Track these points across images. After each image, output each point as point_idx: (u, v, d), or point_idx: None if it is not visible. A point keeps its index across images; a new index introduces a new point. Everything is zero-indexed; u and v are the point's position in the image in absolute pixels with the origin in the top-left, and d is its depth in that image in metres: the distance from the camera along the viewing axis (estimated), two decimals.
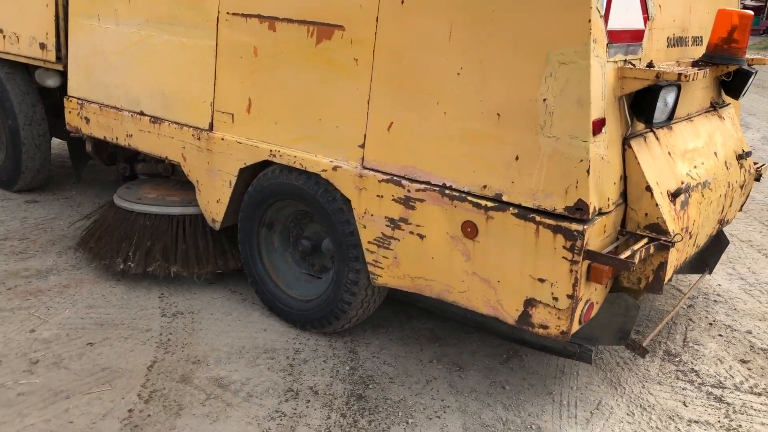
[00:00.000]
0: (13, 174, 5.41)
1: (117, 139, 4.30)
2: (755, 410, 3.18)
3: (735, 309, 4.21)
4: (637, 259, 2.62)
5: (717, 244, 4.13)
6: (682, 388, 3.33)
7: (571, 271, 2.61)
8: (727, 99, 3.91)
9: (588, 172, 2.53)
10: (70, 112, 4.59)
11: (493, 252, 2.80)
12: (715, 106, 3.76)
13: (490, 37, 2.69)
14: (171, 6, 3.81)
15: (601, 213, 2.66)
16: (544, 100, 2.58)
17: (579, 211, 2.56)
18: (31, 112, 5.21)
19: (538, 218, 2.65)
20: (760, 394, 3.31)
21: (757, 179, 4.09)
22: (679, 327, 3.93)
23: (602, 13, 2.55)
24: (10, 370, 3.12)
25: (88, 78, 4.40)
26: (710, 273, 4.24)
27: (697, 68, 2.98)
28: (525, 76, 2.62)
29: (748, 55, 3.59)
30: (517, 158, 2.68)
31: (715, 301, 4.31)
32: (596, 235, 2.65)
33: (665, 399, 3.22)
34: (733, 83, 3.77)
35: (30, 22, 4.77)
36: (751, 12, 3.23)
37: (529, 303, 2.75)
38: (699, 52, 3.46)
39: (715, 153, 3.47)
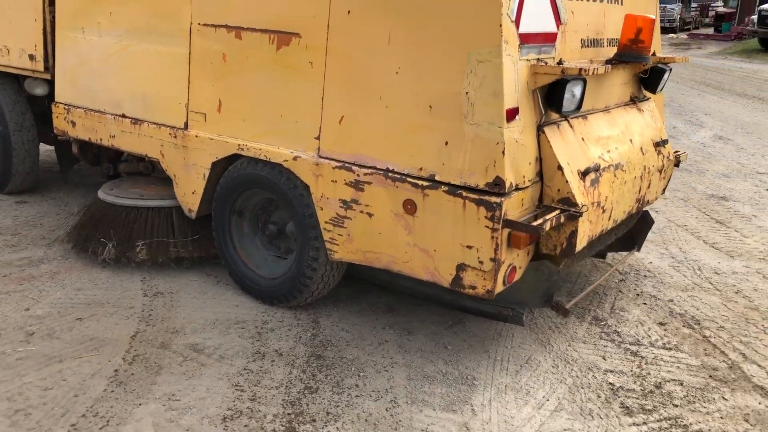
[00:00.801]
0: (5, 177, 5.80)
1: (101, 140, 4.72)
2: (664, 361, 3.65)
3: (662, 282, 4.69)
4: (547, 227, 3.08)
5: (643, 224, 4.63)
6: (603, 345, 3.79)
7: (493, 237, 3.07)
8: (649, 94, 4.40)
9: (503, 153, 2.99)
10: (57, 117, 5.01)
11: (430, 225, 3.26)
12: (634, 100, 4.25)
13: (422, 40, 3.16)
14: (148, 18, 4.25)
15: (518, 188, 3.13)
16: (467, 93, 3.04)
17: (497, 186, 3.03)
18: (21, 119, 5.61)
19: (464, 194, 3.11)
20: (670, 349, 3.78)
21: (677, 165, 4.58)
22: (608, 297, 4.40)
23: (513, 18, 3.02)
24: (8, 340, 3.52)
25: (73, 85, 4.83)
26: (638, 250, 4.74)
27: (603, 65, 3.46)
28: (451, 73, 3.08)
29: (694, 57, 4.09)
30: (446, 143, 3.14)
31: (645, 276, 4.79)
32: (514, 207, 3.12)
33: (587, 354, 3.68)
34: (649, 80, 4.28)
35: (20, 36, 5.19)
36: (653, 16, 3.72)
37: (461, 267, 3.21)
38: (614, 52, 3.94)
39: (631, 140, 3.95)
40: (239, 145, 3.89)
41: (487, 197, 3.05)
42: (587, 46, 3.70)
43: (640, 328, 4.02)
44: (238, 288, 4.20)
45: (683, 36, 35.82)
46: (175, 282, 4.31)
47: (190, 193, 4.25)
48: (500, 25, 2.93)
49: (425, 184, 3.22)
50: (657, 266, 4.96)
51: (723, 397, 3.34)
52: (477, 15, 2.98)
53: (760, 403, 3.30)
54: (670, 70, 4.37)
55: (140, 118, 4.41)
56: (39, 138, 5.77)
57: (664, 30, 39.31)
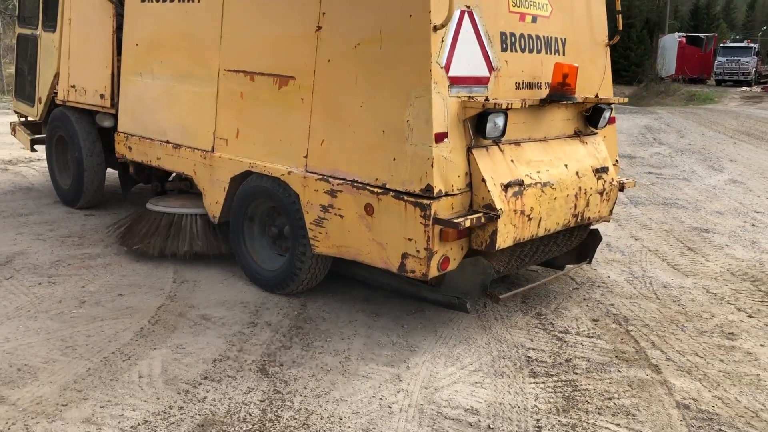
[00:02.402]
0: (77, 194, 7.07)
1: (150, 161, 5.89)
2: (582, 345, 4.42)
3: (611, 291, 5.43)
4: (467, 224, 3.96)
5: (592, 240, 5.42)
6: (535, 332, 4.59)
7: (425, 231, 3.97)
8: (599, 130, 5.22)
9: (432, 166, 3.92)
10: (118, 143, 6.23)
11: (383, 223, 4.19)
12: (578, 134, 5.10)
13: (379, 82, 4.15)
14: (188, 65, 5.42)
15: (447, 194, 4.03)
16: (408, 121, 4.00)
17: (428, 192, 3.94)
18: (92, 146, 6.88)
19: (405, 198, 4.04)
20: (592, 337, 4.54)
21: (621, 190, 5.36)
22: (557, 300, 5.19)
23: (443, 65, 3.98)
24: (67, 305, 4.63)
25: (131, 118, 6.04)
26: (589, 262, 5.52)
27: (520, 101, 4.35)
28: (398, 106, 4.05)
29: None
30: (394, 159, 4.10)
31: (598, 286, 5.54)
32: (444, 209, 4.02)
33: (518, 337, 4.49)
34: (591, 117, 5.14)
35: (94, 80, 6.48)
36: (576, 65, 4.60)
37: (404, 256, 4.11)
38: None
39: (566, 165, 4.79)
40: (250, 163, 4.95)
41: (420, 200, 3.97)
42: (522, 88, 4.61)
43: (574, 322, 4.79)
44: (248, 279, 5.20)
45: (757, 89, 35.57)
46: (200, 273, 5.36)
47: (214, 202, 5.33)
48: (430, 71, 3.90)
49: (379, 191, 4.17)
50: (613, 280, 5.70)
51: (618, 370, 4.09)
52: (415, 63, 3.96)
53: (647, 375, 4.03)
54: (611, 109, 5.22)
55: (179, 143, 5.55)
56: (106, 163, 7.03)
57: (739, 83, 39.19)
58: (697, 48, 41.93)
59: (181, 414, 3.38)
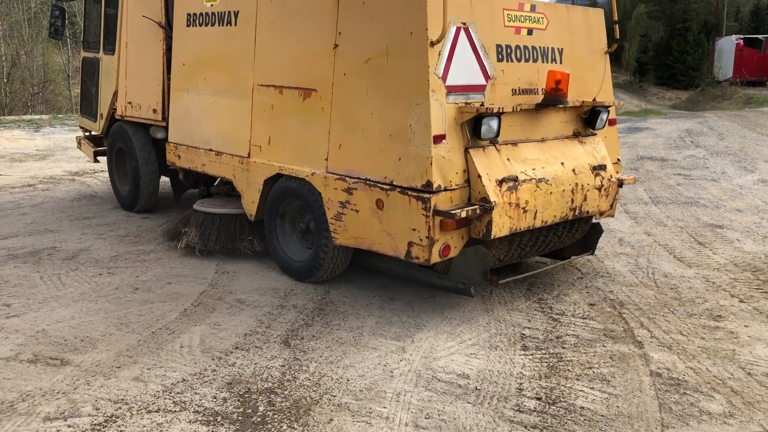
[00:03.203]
0: (134, 199, 7.88)
1: (196, 167, 6.61)
2: (575, 325, 4.88)
3: (613, 281, 5.86)
4: (463, 215, 4.49)
5: (594, 232, 5.87)
6: (534, 314, 5.07)
7: (426, 222, 4.52)
8: (598, 130, 5.68)
9: (431, 164, 4.47)
10: (169, 152, 6.98)
11: (392, 216, 4.76)
12: (577, 135, 5.57)
13: (386, 92, 4.73)
14: (227, 82, 6.12)
15: (446, 189, 4.57)
16: (410, 125, 4.57)
17: (428, 187, 4.50)
18: (147, 156, 7.67)
19: (410, 193, 4.60)
20: (585, 318, 5.00)
21: (620, 185, 5.78)
22: (560, 287, 5.65)
23: (440, 75, 4.54)
24: (122, 291, 5.35)
25: (180, 129, 6.78)
26: (593, 253, 5.96)
27: (513, 106, 4.85)
28: (401, 112, 4.63)
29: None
30: (399, 159, 4.67)
31: (601, 276, 5.97)
32: (443, 202, 4.56)
33: (517, 318, 4.98)
34: (589, 119, 5.61)
35: (147, 96, 7.27)
36: (568, 72, 5.08)
37: (410, 244, 4.67)
38: None
39: (563, 163, 5.26)
40: (280, 167, 5.59)
41: (422, 194, 4.53)
42: (519, 93, 5.12)
43: (572, 306, 5.25)
44: (280, 270, 5.84)
45: None
46: (239, 265, 6.03)
47: (250, 202, 5.99)
48: (428, 81, 4.46)
49: (387, 187, 4.74)
50: (617, 270, 6.12)
51: (603, 345, 4.54)
52: (415, 74, 4.53)
53: (629, 350, 4.47)
54: (608, 112, 5.68)
55: (221, 151, 6.25)
56: (159, 171, 7.81)
57: None
58: (755, 50, 41.00)
59: (213, 375, 4.02)
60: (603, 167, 5.58)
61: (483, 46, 4.86)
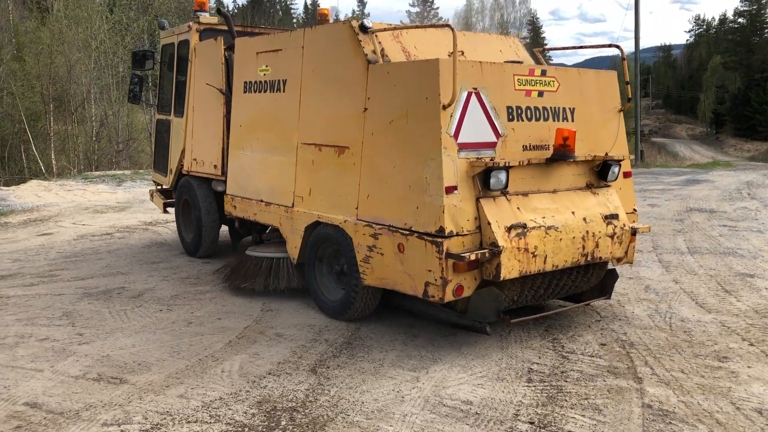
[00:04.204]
0: (197, 246, 8.71)
1: (249, 216, 7.37)
2: (582, 362, 5.25)
3: (629, 324, 6.18)
4: (472, 258, 5.00)
5: (610, 277, 6.25)
6: (545, 351, 5.47)
7: (440, 264, 5.05)
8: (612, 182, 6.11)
9: (443, 212, 5.03)
10: (227, 203, 7.79)
11: (411, 258, 5.31)
12: (590, 186, 6.02)
13: (405, 149, 5.35)
14: (276, 141, 6.89)
15: (458, 234, 5.10)
16: (426, 177, 5.16)
17: (441, 232, 5.04)
18: (209, 207, 8.51)
19: (426, 238, 5.15)
20: (593, 356, 5.36)
21: (633, 234, 6.15)
22: (576, 329, 6.01)
23: (452, 134, 5.13)
24: (177, 324, 6.06)
25: (236, 183, 7.59)
26: (609, 297, 6.31)
27: (519, 161, 5.36)
28: (419, 166, 5.23)
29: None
30: (417, 208, 5.25)
31: (619, 319, 6.30)
32: (455, 246, 5.09)
33: (528, 354, 5.39)
34: (602, 172, 6.06)
35: (209, 154, 8.15)
36: (575, 129, 5.58)
37: (427, 284, 5.20)
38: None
39: (573, 212, 5.71)
40: (319, 215, 6.25)
41: (436, 239, 5.08)
42: (530, 149, 5.64)
43: (583, 345, 5.62)
44: (317, 308, 6.45)
45: None
46: (282, 304, 6.68)
47: (294, 247, 6.66)
48: (440, 139, 5.06)
49: (407, 233, 5.31)
50: (636, 314, 6.43)
51: (604, 380, 4.90)
52: (429, 133, 5.14)
53: (627, 384, 4.81)
54: (620, 165, 6.11)
55: (270, 201, 6.98)
56: (220, 220, 8.63)
57: None
58: None
59: (246, 395, 4.62)
60: (615, 216, 5.99)
61: (494, 107, 5.44)
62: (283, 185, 6.77)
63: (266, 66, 7.04)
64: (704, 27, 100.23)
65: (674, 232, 10.62)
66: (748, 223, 11.48)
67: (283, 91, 6.83)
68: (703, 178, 19.25)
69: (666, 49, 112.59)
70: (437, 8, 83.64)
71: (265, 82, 7.08)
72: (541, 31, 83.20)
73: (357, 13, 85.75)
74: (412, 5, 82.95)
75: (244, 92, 7.42)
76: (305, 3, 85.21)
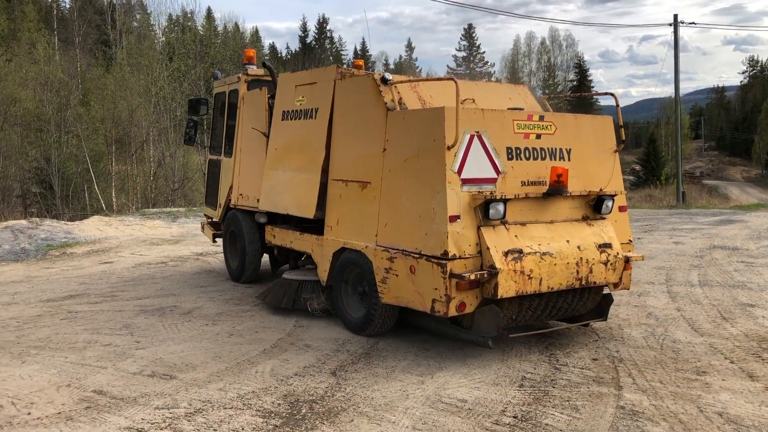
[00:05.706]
0: (241, 272, 9.67)
1: (286, 244, 8.28)
2: (572, 373, 5.90)
3: (624, 344, 6.79)
4: (472, 277, 5.76)
5: (605, 301, 6.91)
6: (541, 364, 6.14)
7: (444, 282, 5.83)
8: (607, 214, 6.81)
9: (447, 238, 5.83)
10: (267, 233, 8.73)
11: (420, 278, 6.10)
12: (586, 218, 6.74)
13: (417, 183, 6.19)
14: (304, 161, 7.81)
15: (460, 257, 5.88)
16: (433, 208, 5.98)
17: (445, 255, 5.83)
18: (252, 237, 9.47)
19: (432, 260, 5.95)
20: (583, 368, 6.00)
21: (627, 261, 6.81)
22: (573, 346, 6.66)
23: (456, 170, 5.95)
24: (221, 336, 6.95)
25: (267, 199, 8.50)
26: (605, 319, 6.95)
27: (515, 194, 6.13)
28: (427, 198, 6.05)
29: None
30: (426, 234, 6.06)
31: (616, 340, 6.92)
32: (458, 267, 5.86)
33: (525, 366, 6.07)
34: (596, 205, 6.77)
35: (253, 189, 9.14)
36: (567, 167, 6.33)
37: (433, 301, 5.98)
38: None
39: (568, 241, 6.43)
40: (344, 242, 7.12)
41: (441, 261, 5.86)
42: (528, 185, 6.41)
43: (576, 360, 6.27)
44: (343, 325, 7.26)
45: None
46: (312, 321, 7.52)
47: (323, 271, 7.52)
48: (445, 175, 5.89)
49: (417, 256, 6.11)
50: (632, 336, 7.04)
51: (588, 387, 5.55)
52: (436, 170, 5.98)
53: (608, 390, 5.45)
54: (613, 200, 6.82)
55: (303, 231, 7.89)
56: (261, 249, 9.57)
57: None
58: None
59: (275, 389, 5.44)
60: (609, 245, 6.67)
61: (494, 148, 6.25)
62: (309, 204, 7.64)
63: (302, 97, 7.99)
64: (758, 68, 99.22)
65: (690, 267, 11.11)
66: (767, 260, 11.86)
67: (314, 118, 7.73)
68: (739, 218, 19.46)
69: (719, 91, 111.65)
70: (483, 52, 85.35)
71: (301, 110, 8.01)
72: (588, 74, 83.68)
73: (405, 58, 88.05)
74: (459, 50, 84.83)
75: (282, 120, 8.36)
76: (355, 48, 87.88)
